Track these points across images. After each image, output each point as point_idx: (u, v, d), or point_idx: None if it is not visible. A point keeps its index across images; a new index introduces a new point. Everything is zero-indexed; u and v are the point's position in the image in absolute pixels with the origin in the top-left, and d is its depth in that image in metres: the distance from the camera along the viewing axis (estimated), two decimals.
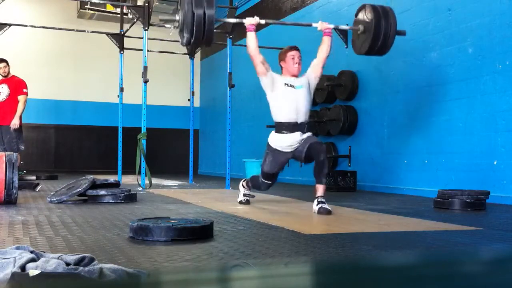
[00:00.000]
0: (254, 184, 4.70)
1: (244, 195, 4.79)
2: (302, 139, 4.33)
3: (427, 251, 2.51)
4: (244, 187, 4.82)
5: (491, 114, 5.27)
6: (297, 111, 4.32)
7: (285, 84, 4.36)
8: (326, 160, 4.19)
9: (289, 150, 4.37)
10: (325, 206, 4.04)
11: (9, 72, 7.58)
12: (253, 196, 4.83)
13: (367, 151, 7.10)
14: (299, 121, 4.33)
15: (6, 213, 3.76)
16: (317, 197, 4.12)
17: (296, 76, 4.45)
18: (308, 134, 4.39)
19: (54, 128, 12.41)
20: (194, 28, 4.17)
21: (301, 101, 4.34)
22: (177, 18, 4.37)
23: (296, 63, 4.43)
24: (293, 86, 4.35)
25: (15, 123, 7.38)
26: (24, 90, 7.55)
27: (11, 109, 7.46)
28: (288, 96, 4.34)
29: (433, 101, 6.03)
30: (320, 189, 4.16)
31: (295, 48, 4.50)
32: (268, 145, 4.43)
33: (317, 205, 4.07)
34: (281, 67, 4.52)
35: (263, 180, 4.55)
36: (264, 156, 4.47)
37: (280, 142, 4.36)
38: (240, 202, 4.76)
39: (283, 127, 4.34)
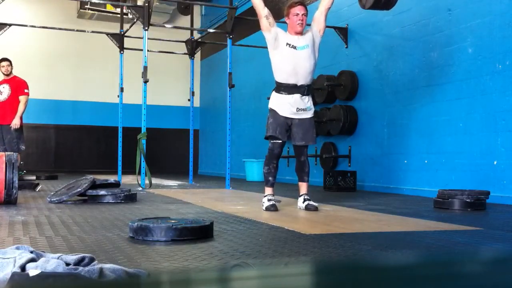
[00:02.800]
0: (266, 162, 4.41)
1: (269, 200, 4.29)
2: (300, 109, 4.24)
3: (427, 251, 2.51)
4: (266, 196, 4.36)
5: (491, 114, 5.27)
6: (297, 74, 4.20)
7: (287, 44, 4.20)
8: (307, 161, 4.47)
9: (287, 114, 4.25)
10: (312, 202, 4.24)
11: (11, 72, 7.59)
12: (279, 201, 4.44)
13: (367, 151, 7.10)
14: (299, 83, 4.21)
15: (6, 213, 3.76)
16: (302, 194, 4.35)
17: (301, 33, 4.26)
18: (307, 106, 4.28)
19: (54, 128, 12.40)
20: None
21: (303, 63, 4.21)
22: None
23: (300, 20, 4.20)
24: (295, 47, 4.19)
25: (15, 123, 7.39)
26: (26, 91, 7.57)
27: (12, 109, 7.47)
28: (288, 58, 4.20)
29: (433, 101, 6.03)
30: (303, 187, 4.39)
31: (300, 3, 4.25)
32: (269, 105, 4.37)
33: (303, 202, 4.25)
34: (286, 23, 4.35)
35: (271, 142, 4.34)
36: (267, 119, 4.40)
37: (278, 102, 4.26)
38: (267, 209, 4.20)
39: (281, 88, 4.25)
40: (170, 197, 5.53)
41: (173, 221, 2.77)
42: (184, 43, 9.28)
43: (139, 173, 6.82)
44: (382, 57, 6.90)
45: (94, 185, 4.84)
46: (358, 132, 7.33)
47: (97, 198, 4.71)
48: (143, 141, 6.71)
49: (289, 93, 4.22)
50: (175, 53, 9.86)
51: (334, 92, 7.55)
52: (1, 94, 7.51)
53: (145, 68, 6.95)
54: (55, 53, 12.27)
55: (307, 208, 4.17)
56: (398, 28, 6.62)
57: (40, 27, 8.39)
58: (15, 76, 7.64)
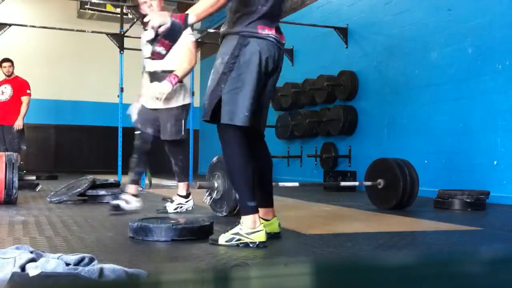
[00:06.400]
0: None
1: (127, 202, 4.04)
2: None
3: (427, 251, 2.51)
4: None
5: (491, 114, 5.27)
6: None
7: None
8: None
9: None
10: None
11: (12, 72, 7.59)
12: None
13: (367, 151, 7.09)
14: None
15: (6, 213, 3.76)
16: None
17: None
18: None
19: (54, 128, 12.40)
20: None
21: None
22: (216, 185, 3.87)
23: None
24: None
25: (18, 124, 7.40)
26: (28, 91, 7.58)
27: (13, 109, 7.47)
28: None
29: (433, 101, 6.02)
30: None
31: None
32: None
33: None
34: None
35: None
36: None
37: None
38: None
39: None
40: (170, 197, 5.52)
41: (173, 221, 2.77)
42: None
43: None
44: (382, 57, 6.90)
45: (94, 185, 4.84)
46: (358, 132, 7.33)
47: (97, 198, 4.71)
48: None
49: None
50: None
51: (334, 92, 7.54)
52: (3, 94, 7.51)
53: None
54: (55, 53, 12.26)
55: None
56: (398, 28, 6.62)
57: (40, 27, 8.39)
58: (17, 77, 7.64)
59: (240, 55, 2.44)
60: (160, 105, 3.93)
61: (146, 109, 4.04)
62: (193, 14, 2.29)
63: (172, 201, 4.13)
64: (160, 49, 2.30)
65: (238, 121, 2.43)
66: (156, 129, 4.03)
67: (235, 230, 2.48)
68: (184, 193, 4.14)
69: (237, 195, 2.57)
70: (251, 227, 2.44)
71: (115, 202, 3.94)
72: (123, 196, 3.98)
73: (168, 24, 2.22)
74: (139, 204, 3.98)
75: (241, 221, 2.49)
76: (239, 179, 2.48)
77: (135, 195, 3.97)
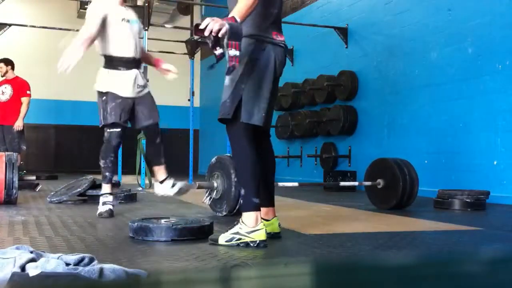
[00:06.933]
0: (103, 155, 3.87)
1: (104, 203, 3.80)
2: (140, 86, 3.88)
3: (427, 251, 2.51)
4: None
5: (491, 114, 5.27)
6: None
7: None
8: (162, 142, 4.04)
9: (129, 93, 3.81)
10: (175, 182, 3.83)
11: (6, 71, 7.56)
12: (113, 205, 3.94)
13: (367, 151, 7.09)
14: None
15: (6, 213, 3.76)
16: (166, 178, 3.91)
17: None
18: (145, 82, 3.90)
19: (54, 128, 12.40)
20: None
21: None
22: (215, 185, 3.81)
23: None
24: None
25: (18, 125, 7.40)
26: (28, 92, 7.58)
27: (13, 109, 7.47)
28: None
29: (433, 101, 6.02)
30: (162, 169, 3.96)
31: None
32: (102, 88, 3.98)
33: (172, 186, 3.83)
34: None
35: (109, 131, 3.86)
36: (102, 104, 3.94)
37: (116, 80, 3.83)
38: (100, 215, 3.73)
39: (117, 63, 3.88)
40: (170, 197, 5.52)
41: (173, 221, 2.77)
42: (184, 43, 9.28)
43: (139, 173, 6.82)
44: (382, 57, 6.90)
45: (94, 185, 4.84)
46: (358, 132, 7.33)
47: (97, 198, 4.68)
48: (143, 142, 6.70)
49: (128, 68, 3.84)
50: (175, 53, 9.86)
51: (334, 92, 7.54)
52: (3, 94, 7.51)
53: (145, 68, 6.94)
54: (55, 53, 12.25)
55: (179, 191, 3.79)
56: (398, 28, 6.62)
57: (40, 27, 8.40)
58: (17, 77, 7.64)
59: (259, 58, 2.56)
60: (138, 92, 3.81)
61: (122, 99, 3.79)
62: (238, 16, 2.32)
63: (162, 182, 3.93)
64: (234, 52, 2.31)
65: (256, 121, 2.56)
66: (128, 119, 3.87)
67: (234, 229, 2.48)
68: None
69: (242, 191, 2.57)
70: (252, 225, 2.45)
71: (104, 210, 3.71)
72: (108, 200, 3.80)
73: (227, 26, 2.23)
74: (115, 200, 3.90)
75: (240, 220, 2.50)
76: (247, 174, 2.54)
77: (111, 193, 3.86)
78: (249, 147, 2.56)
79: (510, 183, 5.05)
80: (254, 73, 2.55)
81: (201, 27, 2.24)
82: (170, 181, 3.84)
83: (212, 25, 2.21)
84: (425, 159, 6.09)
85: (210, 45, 2.31)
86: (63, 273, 1.57)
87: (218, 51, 2.31)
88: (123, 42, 3.84)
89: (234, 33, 2.26)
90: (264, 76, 2.58)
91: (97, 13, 3.78)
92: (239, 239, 2.45)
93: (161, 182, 3.88)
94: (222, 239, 2.48)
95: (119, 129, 3.80)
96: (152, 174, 4.38)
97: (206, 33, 2.22)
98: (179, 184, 3.83)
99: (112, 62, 3.84)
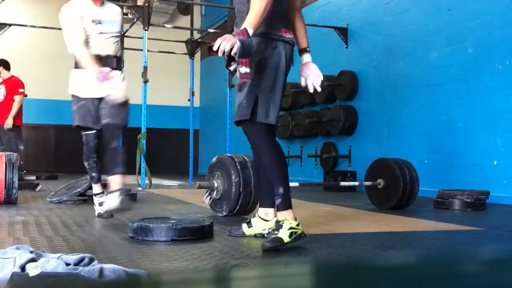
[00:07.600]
0: (85, 157, 3.77)
1: (100, 204, 3.68)
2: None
3: (427, 251, 2.51)
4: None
5: (491, 114, 5.27)
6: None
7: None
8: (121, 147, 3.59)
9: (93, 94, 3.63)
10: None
11: (0, 71, 7.53)
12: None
13: (367, 151, 7.09)
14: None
15: (6, 213, 3.76)
16: (118, 190, 3.52)
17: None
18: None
19: (54, 128, 12.40)
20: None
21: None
22: (215, 185, 3.78)
23: None
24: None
25: (8, 123, 7.35)
26: (20, 90, 7.53)
27: (8, 109, 7.45)
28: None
29: (433, 101, 6.02)
30: (118, 179, 3.56)
31: None
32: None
33: (119, 196, 3.49)
34: None
35: (84, 134, 3.73)
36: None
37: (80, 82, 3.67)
38: (99, 216, 3.64)
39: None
40: (170, 197, 5.53)
41: (173, 221, 2.77)
42: (184, 43, 9.28)
43: (139, 173, 6.82)
44: (382, 57, 6.90)
45: None
46: (358, 132, 7.33)
47: None
48: (143, 141, 6.71)
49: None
50: (175, 53, 9.86)
51: (334, 92, 7.54)
52: None
53: (145, 68, 6.95)
54: (55, 53, 12.24)
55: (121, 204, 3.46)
56: (398, 28, 6.62)
57: (40, 27, 8.39)
58: (11, 76, 7.61)
59: (271, 57, 2.58)
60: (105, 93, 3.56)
61: (85, 101, 3.65)
62: (250, 26, 2.34)
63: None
64: (244, 69, 2.40)
65: (272, 119, 2.58)
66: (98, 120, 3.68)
67: (286, 226, 2.45)
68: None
69: (280, 190, 2.56)
70: (294, 219, 2.50)
71: (103, 210, 3.61)
72: (103, 200, 3.69)
73: (238, 44, 2.26)
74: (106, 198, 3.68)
75: (280, 218, 2.51)
76: (280, 173, 2.57)
77: (102, 192, 3.77)
78: (272, 145, 2.60)
79: (510, 183, 5.05)
80: (266, 72, 2.56)
81: (214, 48, 2.29)
82: (117, 193, 3.51)
83: (224, 45, 2.25)
84: (425, 159, 6.09)
85: (225, 63, 2.37)
86: (63, 273, 1.57)
87: (233, 66, 2.38)
88: (87, 41, 3.67)
89: (245, 51, 2.30)
90: (276, 74, 2.59)
91: (73, 19, 3.68)
92: (295, 233, 2.46)
93: (108, 193, 3.58)
94: (284, 235, 2.41)
95: (93, 131, 3.66)
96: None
97: (220, 54, 2.27)
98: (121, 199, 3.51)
99: (76, 62, 3.75)
